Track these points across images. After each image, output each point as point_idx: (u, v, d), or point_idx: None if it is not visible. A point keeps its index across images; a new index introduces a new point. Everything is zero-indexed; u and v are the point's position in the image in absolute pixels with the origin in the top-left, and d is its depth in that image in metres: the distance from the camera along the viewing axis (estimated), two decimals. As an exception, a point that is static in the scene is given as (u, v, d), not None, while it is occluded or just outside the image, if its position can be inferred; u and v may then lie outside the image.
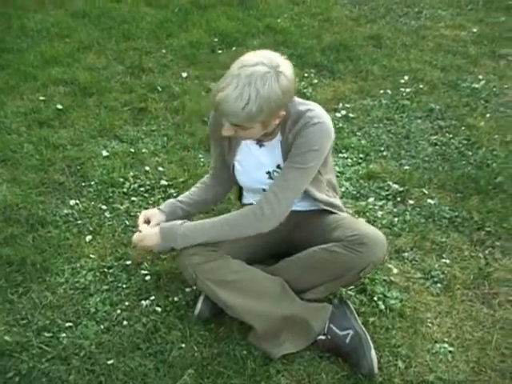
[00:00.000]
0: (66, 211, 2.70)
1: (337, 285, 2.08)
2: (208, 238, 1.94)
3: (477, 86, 3.72)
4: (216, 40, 4.29)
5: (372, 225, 2.58)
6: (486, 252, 2.48)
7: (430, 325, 2.12)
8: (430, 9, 4.87)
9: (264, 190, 2.08)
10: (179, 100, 3.59)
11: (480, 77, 3.82)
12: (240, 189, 2.31)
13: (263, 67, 1.72)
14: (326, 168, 2.09)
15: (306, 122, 1.88)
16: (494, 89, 3.70)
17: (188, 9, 4.81)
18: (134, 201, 2.79)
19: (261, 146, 2.05)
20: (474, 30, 4.48)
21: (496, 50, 4.17)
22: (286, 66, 1.76)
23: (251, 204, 2.26)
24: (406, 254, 2.46)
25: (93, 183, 2.89)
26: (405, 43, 4.29)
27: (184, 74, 3.87)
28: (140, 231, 2.08)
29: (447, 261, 2.42)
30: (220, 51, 4.15)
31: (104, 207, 2.74)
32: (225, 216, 2.00)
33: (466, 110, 3.48)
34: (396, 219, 2.67)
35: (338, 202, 2.24)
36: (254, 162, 2.08)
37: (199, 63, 4.01)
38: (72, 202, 2.75)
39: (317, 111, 1.92)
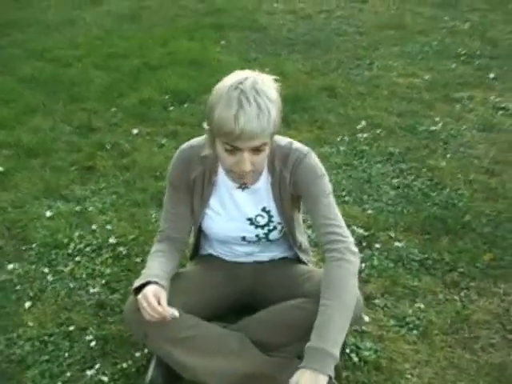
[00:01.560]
0: (3, 277, 2.46)
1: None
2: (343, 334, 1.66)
3: (434, 128, 3.66)
4: (167, 97, 4.19)
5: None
6: (462, 294, 2.31)
7: (409, 376, 1.92)
8: (381, 60, 4.89)
9: (244, 237, 1.90)
10: (129, 157, 3.42)
11: (437, 119, 3.77)
12: (196, 243, 2.09)
13: (253, 77, 1.63)
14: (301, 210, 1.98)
15: (297, 156, 1.82)
16: (452, 131, 3.64)
17: (139, 69, 4.72)
18: (79, 262, 2.56)
19: (243, 188, 1.88)
20: (427, 77, 4.49)
21: (450, 94, 4.16)
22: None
23: (209, 255, 2.06)
24: (377, 301, 2.27)
25: (34, 246, 2.67)
26: (359, 92, 4.26)
27: (135, 131, 3.72)
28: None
29: (421, 305, 2.24)
30: (172, 107, 4.03)
31: (46, 270, 2.51)
32: (329, 302, 1.66)
33: (426, 152, 3.40)
34: (363, 265, 2.50)
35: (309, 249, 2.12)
36: (234, 207, 1.90)
37: (150, 120, 3.88)
38: (10, 267, 2.52)
39: (296, 142, 1.87)
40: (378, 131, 3.65)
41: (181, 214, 1.94)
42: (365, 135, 3.60)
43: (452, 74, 4.57)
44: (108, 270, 2.51)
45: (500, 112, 3.90)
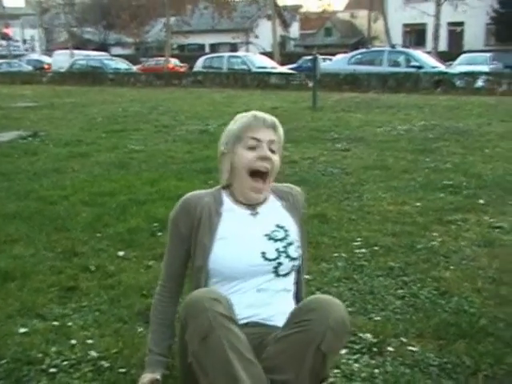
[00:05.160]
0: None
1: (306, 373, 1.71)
2: None
3: (433, 243, 3.55)
4: (156, 225, 4.06)
5: (349, 379, 2.16)
6: (490, 396, 2.04)
7: None
8: (369, 193, 4.90)
9: (264, 254, 1.94)
10: (114, 277, 3.21)
11: (434, 238, 3.68)
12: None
13: None
14: None
15: (302, 195, 2.21)
16: (452, 247, 3.53)
17: (126, 204, 4.65)
18: (54, 377, 2.25)
19: (255, 215, 2.03)
20: (418, 204, 4.47)
21: (443, 218, 4.11)
22: None
23: None
24: (398, 407, 1.98)
25: (3, 362, 2.35)
26: (351, 218, 4.19)
27: (120, 253, 3.54)
28: None
29: (449, 410, 1.96)
30: (160, 233, 3.89)
31: (15, 387, 2.18)
32: None
33: (427, 265, 3.25)
34: (376, 371, 2.23)
35: None
36: (248, 229, 1.99)
37: (138, 246, 3.71)
38: (-27, 385, 2.19)
39: None
40: (375, 248, 3.52)
41: (178, 262, 2.07)
42: (362, 250, 3.46)
43: (442, 201, 4.57)
44: (87, 385, 2.20)
45: (497, 230, 3.83)
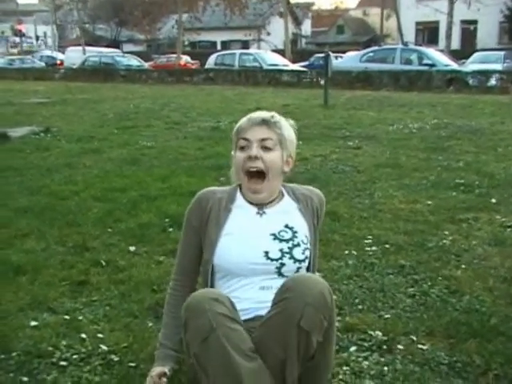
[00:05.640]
0: (-24, 387, 2.14)
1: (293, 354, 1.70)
2: None
3: (445, 242, 3.53)
4: (167, 220, 4.07)
5: (358, 377, 2.15)
6: (501, 396, 2.02)
7: None
8: (381, 191, 4.88)
9: (267, 253, 1.94)
10: (125, 272, 3.22)
11: (445, 236, 3.66)
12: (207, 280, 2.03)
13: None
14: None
15: (321, 197, 2.23)
16: (463, 245, 3.51)
17: (137, 200, 4.66)
18: (64, 370, 2.26)
19: (262, 214, 2.02)
20: (429, 203, 4.44)
21: (455, 216, 4.08)
22: None
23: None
24: (408, 405, 1.98)
25: (14, 354, 2.37)
26: (362, 216, 4.17)
27: (132, 248, 3.55)
28: None
29: (458, 408, 1.95)
30: (171, 229, 3.90)
31: (25, 379, 2.20)
32: None
33: (438, 264, 3.24)
34: (386, 368, 2.23)
35: None
36: (255, 227, 1.99)
37: (149, 241, 3.72)
38: (-16, 376, 2.21)
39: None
40: (386, 246, 3.50)
41: (191, 256, 2.09)
42: (373, 248, 3.45)
43: (454, 200, 4.54)
44: (97, 378, 2.21)
45: (509, 229, 3.80)
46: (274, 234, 1.97)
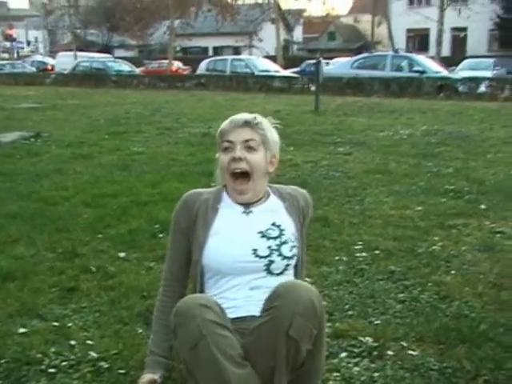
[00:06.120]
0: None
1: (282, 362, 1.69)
2: None
3: (434, 248, 3.54)
4: (157, 226, 4.06)
5: (348, 383, 2.16)
6: (490, 401, 2.03)
7: None
8: (371, 197, 4.90)
9: (255, 251, 1.95)
10: (115, 278, 3.20)
11: (435, 242, 3.67)
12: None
13: None
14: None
15: (307, 196, 2.20)
16: (452, 251, 3.52)
17: (128, 206, 4.65)
18: (53, 378, 2.25)
19: (248, 213, 2.04)
20: (419, 209, 4.46)
21: (444, 222, 4.10)
22: None
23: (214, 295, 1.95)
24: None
25: (2, 361, 2.35)
26: (352, 222, 4.19)
27: (121, 255, 3.54)
28: None
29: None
30: (161, 235, 3.89)
31: (14, 387, 2.18)
32: None
33: (428, 270, 3.25)
34: (376, 374, 2.23)
35: None
36: (243, 226, 2.01)
37: (139, 247, 3.71)
38: (-27, 384, 2.19)
39: None
40: (376, 252, 3.51)
41: (180, 260, 2.10)
42: (363, 254, 3.46)
43: (444, 206, 4.56)
44: (86, 386, 2.20)
45: (498, 235, 3.82)
46: (261, 232, 1.99)
